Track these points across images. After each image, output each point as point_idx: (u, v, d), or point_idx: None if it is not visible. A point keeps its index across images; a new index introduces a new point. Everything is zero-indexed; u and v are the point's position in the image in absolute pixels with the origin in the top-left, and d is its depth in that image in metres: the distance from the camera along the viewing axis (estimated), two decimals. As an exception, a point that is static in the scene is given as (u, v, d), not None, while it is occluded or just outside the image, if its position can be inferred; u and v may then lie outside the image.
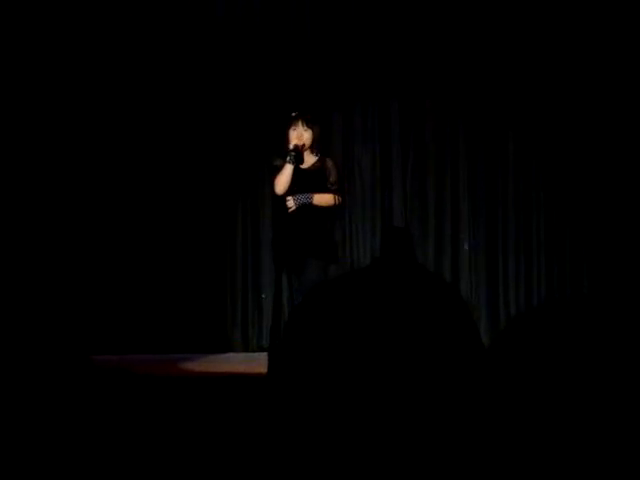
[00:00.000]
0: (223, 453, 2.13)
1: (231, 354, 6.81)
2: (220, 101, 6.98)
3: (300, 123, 5.84)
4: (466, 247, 6.94)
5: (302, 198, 5.83)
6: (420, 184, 7.05)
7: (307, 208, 5.84)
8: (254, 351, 6.86)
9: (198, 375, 5.57)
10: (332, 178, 5.92)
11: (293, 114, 5.93)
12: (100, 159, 6.84)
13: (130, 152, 6.88)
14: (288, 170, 5.78)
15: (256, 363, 5.75)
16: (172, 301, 6.84)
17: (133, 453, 2.13)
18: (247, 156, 6.98)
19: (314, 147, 5.94)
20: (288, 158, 5.78)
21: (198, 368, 5.91)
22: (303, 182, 5.84)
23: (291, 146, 5.80)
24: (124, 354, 6.19)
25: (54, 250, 6.71)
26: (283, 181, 5.80)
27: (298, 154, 5.81)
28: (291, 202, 5.83)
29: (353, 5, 7.02)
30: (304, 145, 5.86)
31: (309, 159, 5.94)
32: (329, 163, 5.98)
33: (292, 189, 5.81)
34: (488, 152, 6.98)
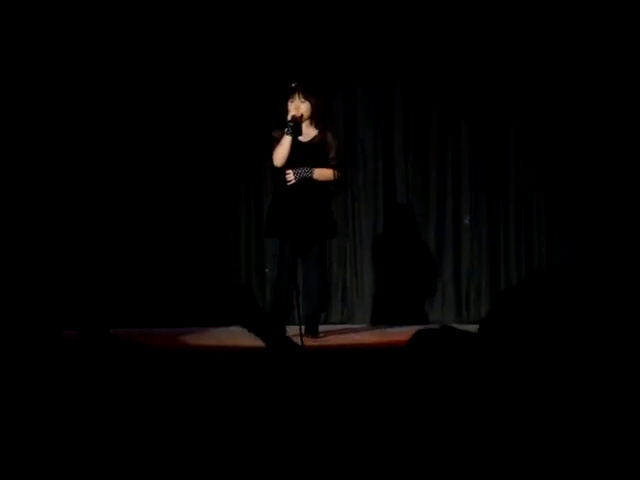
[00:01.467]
0: (226, 424, 2.18)
1: (235, 327, 6.84)
2: (224, 81, 6.98)
3: (297, 95, 5.83)
4: (466, 222, 6.97)
5: (302, 172, 5.82)
6: (422, 161, 7.07)
7: (307, 182, 5.83)
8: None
9: (201, 348, 5.62)
10: (332, 153, 5.90)
11: (292, 85, 5.92)
12: (104, 144, 6.85)
13: (134, 135, 6.89)
14: (286, 141, 5.75)
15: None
16: (175, 274, 6.89)
17: (139, 425, 2.18)
18: (250, 135, 6.96)
19: (314, 119, 5.91)
20: (286, 129, 5.74)
21: (201, 341, 5.96)
22: (303, 155, 5.80)
23: (289, 117, 5.78)
24: (129, 328, 6.24)
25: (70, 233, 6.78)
26: (281, 153, 5.77)
27: (296, 125, 5.76)
28: (291, 175, 5.81)
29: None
30: (302, 116, 5.81)
31: (309, 132, 5.91)
32: (330, 137, 5.94)
33: (292, 162, 5.78)
34: (489, 129, 6.99)
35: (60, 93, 6.79)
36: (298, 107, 5.81)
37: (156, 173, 6.94)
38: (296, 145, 5.79)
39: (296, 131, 5.76)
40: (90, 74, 6.84)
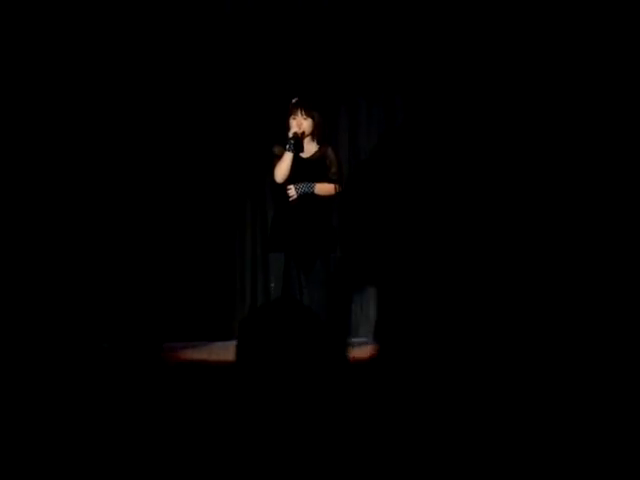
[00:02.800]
0: (230, 435, 2.21)
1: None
2: (229, 97, 7.04)
3: (299, 111, 5.88)
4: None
5: (303, 187, 5.85)
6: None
7: (308, 197, 5.86)
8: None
9: (205, 362, 5.64)
10: (333, 168, 5.94)
11: (293, 101, 5.97)
12: (113, 156, 6.90)
13: (139, 153, 6.94)
14: (287, 158, 5.80)
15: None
16: (182, 291, 6.94)
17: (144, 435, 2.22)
18: (255, 148, 7.02)
19: (315, 135, 5.96)
20: (287, 146, 5.79)
21: (205, 355, 5.98)
22: (304, 171, 5.85)
23: (290, 134, 5.82)
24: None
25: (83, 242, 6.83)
26: (282, 169, 5.82)
27: (297, 142, 5.82)
28: (292, 191, 5.85)
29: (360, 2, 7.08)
30: (304, 133, 5.86)
31: (310, 147, 5.95)
32: (330, 152, 5.97)
33: (293, 178, 5.82)
34: (491, 147, 7.02)
35: (64, 95, 6.85)
36: (300, 124, 5.86)
37: (161, 188, 6.99)
38: (297, 161, 5.84)
39: (297, 148, 5.82)
40: (103, 94, 6.92)
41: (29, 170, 6.76)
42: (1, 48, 6.80)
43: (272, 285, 6.98)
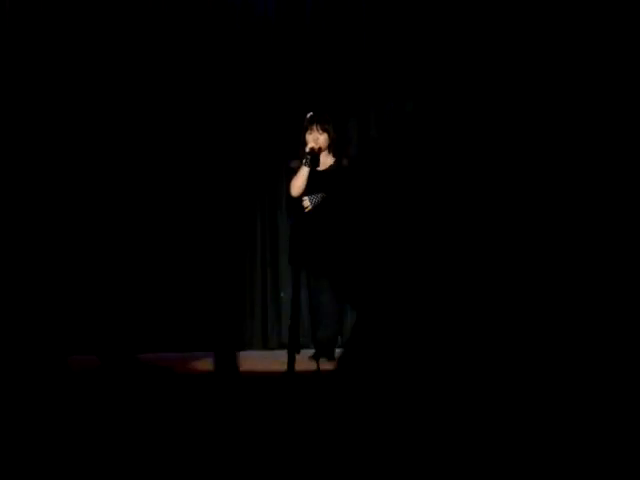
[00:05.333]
0: (241, 447, 2.21)
1: (251, 352, 6.88)
2: (240, 109, 7.04)
3: (315, 127, 5.92)
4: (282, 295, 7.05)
5: (317, 198, 5.90)
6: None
7: (323, 208, 5.91)
8: (273, 349, 6.92)
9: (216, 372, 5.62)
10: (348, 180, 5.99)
11: (308, 116, 5.99)
12: (128, 166, 6.92)
13: (150, 163, 6.95)
14: (304, 173, 5.85)
15: (275, 360, 5.81)
16: (192, 301, 6.91)
17: (150, 447, 2.21)
18: (266, 158, 7.03)
19: (332, 149, 6.01)
20: (304, 161, 5.85)
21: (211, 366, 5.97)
22: (319, 183, 5.90)
23: (307, 149, 5.87)
24: (145, 352, 6.25)
25: (81, 248, 6.81)
26: (298, 184, 5.86)
27: (314, 157, 5.87)
28: (307, 202, 5.90)
29: (369, 12, 7.08)
30: (320, 148, 5.92)
31: (326, 160, 6.00)
32: (346, 162, 6.03)
33: (309, 190, 5.87)
34: (503, 160, 7.00)
35: (87, 104, 6.88)
36: (317, 139, 5.89)
37: (172, 197, 6.98)
38: (313, 173, 5.87)
39: (315, 163, 5.86)
40: (118, 103, 6.94)
41: (28, 182, 6.78)
42: (1, 49, 6.81)
43: (282, 295, 6.98)
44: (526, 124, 6.93)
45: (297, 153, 5.98)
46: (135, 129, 6.95)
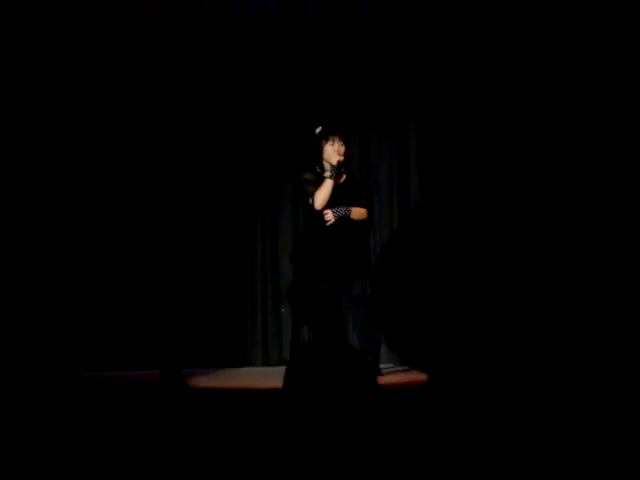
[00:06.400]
0: (241, 465, 2.13)
1: (251, 368, 6.81)
2: (242, 112, 7.03)
3: (339, 138, 5.90)
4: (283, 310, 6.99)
5: (341, 211, 5.87)
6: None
7: (345, 221, 5.89)
8: (274, 365, 6.85)
9: (217, 389, 5.55)
10: (363, 192, 6.03)
11: (318, 130, 5.95)
12: (127, 174, 6.91)
13: (153, 165, 6.93)
14: (329, 185, 5.85)
15: (275, 377, 5.73)
16: (192, 316, 6.85)
17: (153, 463, 2.13)
18: (266, 170, 7.00)
19: (345, 161, 5.98)
20: (330, 174, 5.85)
21: (217, 382, 5.89)
22: (338, 196, 5.89)
23: (333, 162, 5.87)
24: (144, 369, 6.19)
25: (78, 262, 6.76)
26: (323, 196, 5.85)
27: (339, 170, 5.88)
28: (330, 215, 5.87)
29: (368, 24, 7.05)
30: (343, 161, 5.92)
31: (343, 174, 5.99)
32: (359, 178, 6.11)
33: (329, 203, 5.87)
34: (504, 171, 6.95)
35: (99, 113, 6.88)
36: (340, 149, 5.88)
37: (172, 207, 6.94)
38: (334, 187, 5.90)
39: (339, 175, 5.90)
40: (128, 105, 6.95)
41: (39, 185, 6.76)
42: (2, 50, 6.78)
43: (283, 310, 6.92)
44: (529, 131, 6.89)
45: (307, 164, 5.93)
46: (137, 133, 6.94)
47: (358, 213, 5.94)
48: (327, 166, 5.90)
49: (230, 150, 7.01)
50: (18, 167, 6.78)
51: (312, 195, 5.89)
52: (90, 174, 6.85)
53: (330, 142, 5.91)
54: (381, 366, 6.15)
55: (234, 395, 4.98)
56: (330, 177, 5.85)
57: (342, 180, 5.97)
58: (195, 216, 6.94)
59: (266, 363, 6.95)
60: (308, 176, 5.93)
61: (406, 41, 6.99)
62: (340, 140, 5.92)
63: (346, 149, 5.96)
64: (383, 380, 5.85)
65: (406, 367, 6.36)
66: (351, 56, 7.01)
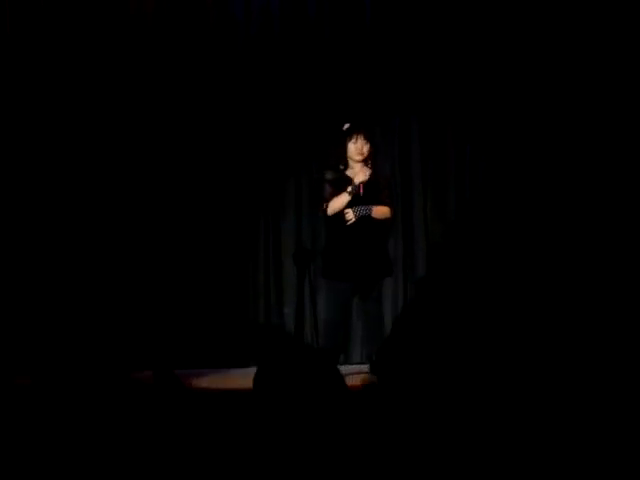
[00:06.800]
0: (239, 463, 2.13)
1: (254, 369, 6.78)
2: (246, 114, 7.02)
3: (363, 136, 5.87)
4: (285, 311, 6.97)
5: (362, 210, 5.84)
6: (440, 198, 7.02)
7: (366, 220, 5.86)
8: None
9: (217, 390, 5.55)
10: (387, 191, 5.98)
11: (345, 127, 5.92)
12: (130, 171, 6.91)
13: (155, 163, 6.92)
14: (345, 199, 5.83)
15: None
16: (194, 316, 6.85)
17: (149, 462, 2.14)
18: (269, 169, 7.00)
19: (370, 160, 5.95)
20: (350, 189, 5.83)
21: (218, 383, 5.89)
22: (360, 195, 5.86)
23: (357, 181, 5.86)
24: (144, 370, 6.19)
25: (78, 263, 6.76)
26: (338, 207, 5.84)
27: (358, 190, 5.84)
28: (351, 214, 5.84)
29: (372, 24, 7.05)
30: (367, 181, 5.88)
31: (366, 171, 5.97)
32: (383, 176, 6.05)
33: (350, 202, 5.85)
34: (506, 165, 6.95)
35: (102, 114, 6.88)
36: (362, 148, 5.87)
37: (173, 210, 6.94)
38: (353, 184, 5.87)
39: (357, 194, 5.83)
40: (133, 105, 6.95)
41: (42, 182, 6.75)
42: (2, 49, 6.78)
43: (285, 310, 6.92)
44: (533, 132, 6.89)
45: (330, 163, 5.94)
46: (141, 131, 6.94)
47: (380, 212, 5.90)
48: (352, 176, 5.90)
49: (233, 148, 7.00)
50: (18, 164, 6.77)
51: (328, 199, 5.87)
52: (92, 171, 6.84)
53: (353, 140, 5.88)
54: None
55: (236, 396, 4.97)
56: (350, 193, 5.82)
57: (368, 178, 5.93)
58: (198, 215, 6.93)
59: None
60: (330, 175, 5.91)
61: (409, 41, 6.98)
62: (364, 138, 5.88)
63: (370, 147, 5.91)
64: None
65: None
66: (355, 56, 6.99)
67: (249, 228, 7.04)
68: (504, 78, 6.90)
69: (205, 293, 6.88)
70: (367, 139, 5.89)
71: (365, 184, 5.89)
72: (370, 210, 5.85)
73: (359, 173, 5.95)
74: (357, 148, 5.87)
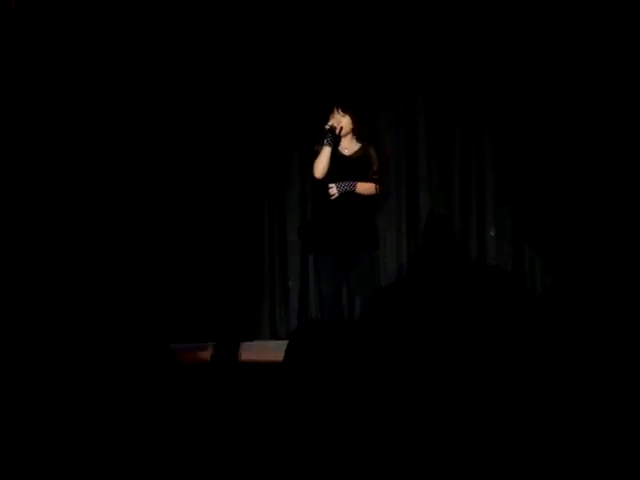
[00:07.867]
0: (246, 438, 2.18)
1: (258, 342, 6.86)
2: (248, 98, 7.03)
3: (336, 109, 5.86)
4: (491, 233, 6.93)
5: (345, 185, 5.84)
6: (446, 175, 7.05)
7: (350, 196, 5.85)
8: (282, 339, 6.89)
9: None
10: (375, 167, 5.94)
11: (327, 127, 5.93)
12: (137, 158, 6.93)
13: (161, 156, 6.95)
14: (326, 152, 5.80)
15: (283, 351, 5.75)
16: (199, 291, 6.90)
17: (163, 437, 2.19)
18: (274, 150, 7.01)
19: (355, 133, 5.94)
20: (325, 140, 5.80)
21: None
22: (346, 169, 5.85)
23: (326, 127, 5.83)
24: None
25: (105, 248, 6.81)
26: (321, 164, 5.81)
27: (334, 136, 5.82)
28: (334, 189, 5.84)
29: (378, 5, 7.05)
30: (342, 129, 5.86)
31: (352, 146, 5.96)
32: (372, 151, 5.99)
33: (335, 176, 5.83)
34: (513, 142, 6.97)
35: (104, 107, 6.88)
36: (339, 121, 5.86)
37: (179, 188, 6.96)
38: (339, 159, 5.85)
39: (335, 142, 5.82)
40: (134, 101, 6.96)
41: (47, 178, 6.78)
42: (2, 49, 6.79)
43: (290, 283, 6.96)
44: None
45: (319, 137, 5.93)
46: (143, 127, 6.94)
47: (364, 188, 5.89)
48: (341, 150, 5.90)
49: (237, 129, 7.01)
50: (19, 160, 6.79)
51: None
52: (99, 157, 6.85)
53: (331, 114, 5.90)
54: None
55: (240, 368, 5.03)
56: (325, 144, 5.79)
57: (355, 153, 5.94)
58: (204, 195, 6.95)
59: (274, 337, 6.99)
60: (317, 148, 5.91)
61: (414, 13, 6.97)
62: (339, 110, 5.86)
63: (354, 119, 5.88)
64: None
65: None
66: (360, 29, 6.98)
67: (254, 204, 7.06)
68: (508, 48, 6.91)
69: (210, 269, 6.92)
70: (345, 112, 5.87)
71: (354, 160, 5.89)
72: (354, 186, 5.85)
73: (348, 147, 5.95)
74: (334, 121, 5.86)
